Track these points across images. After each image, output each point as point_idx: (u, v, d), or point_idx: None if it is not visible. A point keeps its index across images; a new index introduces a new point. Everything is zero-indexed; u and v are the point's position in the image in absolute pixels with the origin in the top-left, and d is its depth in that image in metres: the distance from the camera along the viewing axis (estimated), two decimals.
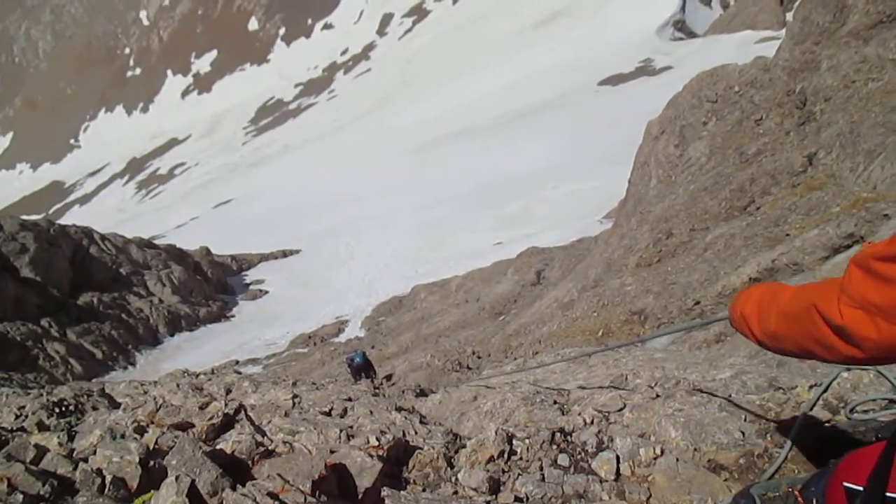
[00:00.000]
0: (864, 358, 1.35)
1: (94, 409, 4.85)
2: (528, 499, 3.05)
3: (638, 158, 19.30)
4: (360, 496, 2.79)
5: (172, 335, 31.39)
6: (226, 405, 3.85)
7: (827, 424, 3.08)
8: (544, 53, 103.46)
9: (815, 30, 15.21)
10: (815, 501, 1.87)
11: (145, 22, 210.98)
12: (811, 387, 3.56)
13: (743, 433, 3.23)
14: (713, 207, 13.31)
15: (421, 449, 3.63)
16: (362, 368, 14.91)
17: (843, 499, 1.60)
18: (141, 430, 3.23)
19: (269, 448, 3.16)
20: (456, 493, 3.16)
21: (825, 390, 3.38)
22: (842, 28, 14.17)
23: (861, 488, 1.54)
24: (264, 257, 45.84)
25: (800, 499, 1.99)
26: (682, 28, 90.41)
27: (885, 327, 1.25)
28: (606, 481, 3.11)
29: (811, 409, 3.23)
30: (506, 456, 3.41)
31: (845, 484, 1.61)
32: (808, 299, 1.45)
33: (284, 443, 3.31)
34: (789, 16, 48.54)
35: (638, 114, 26.10)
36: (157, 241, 43.53)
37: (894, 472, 1.45)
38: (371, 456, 2.92)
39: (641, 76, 74.03)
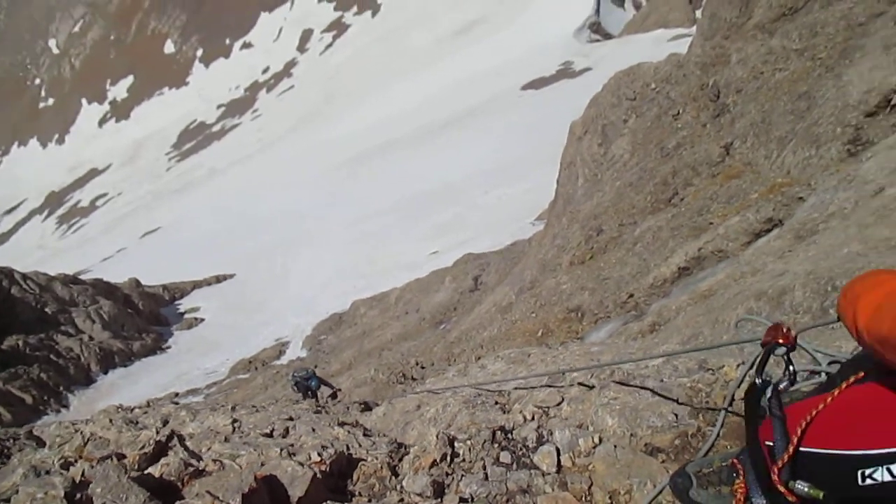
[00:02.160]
0: None
1: (21, 451, 4.64)
2: (473, 499, 3.05)
3: (564, 159, 19.65)
4: None
5: (106, 372, 30.38)
6: (157, 433, 3.75)
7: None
8: (466, 61, 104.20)
9: (723, 25, 15.84)
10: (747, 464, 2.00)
11: (55, 50, 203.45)
12: (738, 365, 3.68)
13: (676, 415, 3.32)
14: (639, 202, 13.66)
15: (365, 461, 3.60)
16: (315, 389, 13.68)
17: (766, 455, 1.79)
18: (68, 466, 3.10)
19: (199, 468, 3.09)
20: (402, 500, 3.15)
21: (751, 367, 3.50)
22: (748, 22, 14.79)
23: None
24: (197, 284, 44.79)
25: (737, 464, 2.12)
26: (597, 30, 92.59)
27: None
28: (549, 474, 3.15)
29: (739, 386, 3.34)
30: (448, 459, 3.41)
31: (766, 443, 1.81)
32: None
33: (214, 461, 3.23)
34: (699, 13, 50.34)
35: (562, 115, 26.54)
36: (83, 277, 42.08)
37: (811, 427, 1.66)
38: (301, 465, 2.88)
39: (562, 78, 75.36)
